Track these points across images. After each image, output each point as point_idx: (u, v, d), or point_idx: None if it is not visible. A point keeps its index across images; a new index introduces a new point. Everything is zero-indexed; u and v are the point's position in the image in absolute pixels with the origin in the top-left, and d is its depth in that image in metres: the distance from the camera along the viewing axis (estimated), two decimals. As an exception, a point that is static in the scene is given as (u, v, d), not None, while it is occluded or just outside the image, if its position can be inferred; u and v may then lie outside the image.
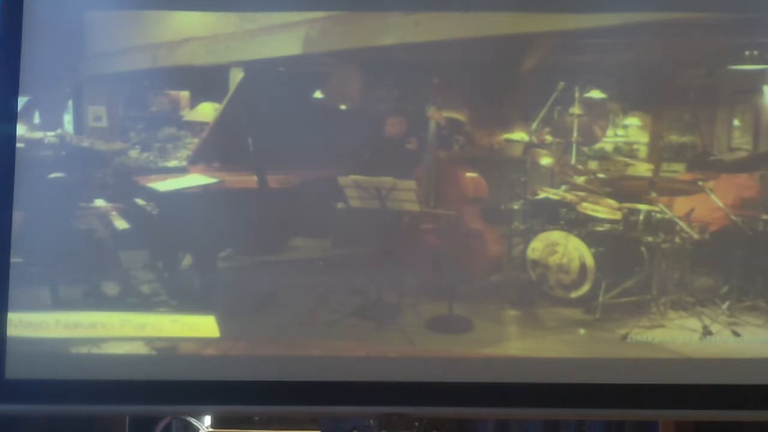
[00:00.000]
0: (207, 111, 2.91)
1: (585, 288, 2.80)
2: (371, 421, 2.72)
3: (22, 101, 2.84)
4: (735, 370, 2.73)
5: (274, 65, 2.90)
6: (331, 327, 2.79)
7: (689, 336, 2.75)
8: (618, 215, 2.85)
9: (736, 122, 2.85)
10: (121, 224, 2.85)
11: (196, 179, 2.88)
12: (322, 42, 2.88)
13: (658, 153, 2.85)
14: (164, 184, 2.87)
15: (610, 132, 2.89)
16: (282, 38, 2.87)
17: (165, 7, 2.93)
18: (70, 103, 2.90)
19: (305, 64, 2.91)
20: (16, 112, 2.83)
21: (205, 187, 2.87)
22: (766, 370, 2.72)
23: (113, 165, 2.88)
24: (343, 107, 2.94)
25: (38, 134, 2.86)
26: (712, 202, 2.81)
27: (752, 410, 2.73)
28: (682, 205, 2.83)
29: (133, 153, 2.89)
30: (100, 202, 2.86)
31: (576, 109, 2.86)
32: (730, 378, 2.71)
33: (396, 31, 2.85)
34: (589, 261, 2.81)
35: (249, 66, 2.89)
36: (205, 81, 2.91)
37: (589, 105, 2.87)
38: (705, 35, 2.86)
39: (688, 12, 2.84)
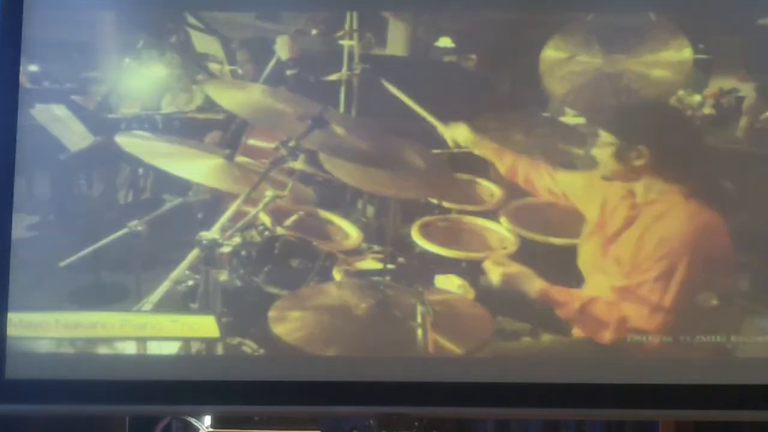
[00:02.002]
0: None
1: (585, 288, 2.80)
2: (371, 421, 2.72)
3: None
4: (735, 370, 2.73)
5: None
6: (331, 327, 2.79)
7: (689, 336, 2.75)
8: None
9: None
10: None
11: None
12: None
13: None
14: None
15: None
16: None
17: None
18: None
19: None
20: (17, 112, 2.83)
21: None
22: (766, 370, 2.72)
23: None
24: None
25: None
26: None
27: (752, 410, 2.73)
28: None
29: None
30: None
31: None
32: (730, 378, 2.71)
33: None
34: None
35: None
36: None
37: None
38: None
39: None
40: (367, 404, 2.73)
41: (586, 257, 2.73)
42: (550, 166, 2.80)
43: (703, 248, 2.71)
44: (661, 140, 2.77)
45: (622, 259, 2.71)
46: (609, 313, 2.69)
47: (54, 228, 2.84)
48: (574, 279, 2.73)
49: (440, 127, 2.83)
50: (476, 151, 2.81)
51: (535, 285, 2.72)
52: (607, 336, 2.70)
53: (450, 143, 2.82)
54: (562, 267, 2.74)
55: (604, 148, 2.76)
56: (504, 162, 2.80)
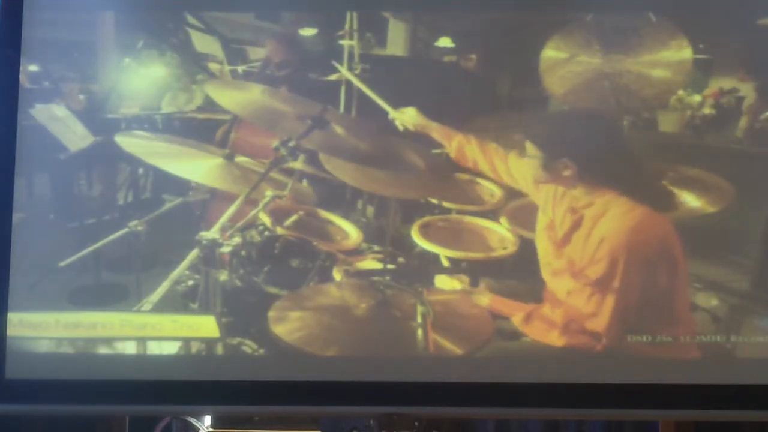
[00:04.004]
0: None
1: (585, 288, 2.80)
2: (371, 421, 2.72)
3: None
4: (735, 370, 2.73)
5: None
6: (331, 327, 2.79)
7: (690, 336, 2.75)
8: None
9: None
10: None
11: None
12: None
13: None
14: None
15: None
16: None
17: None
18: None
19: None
20: (17, 112, 2.83)
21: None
22: (766, 370, 2.72)
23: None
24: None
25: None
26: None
27: (752, 410, 2.73)
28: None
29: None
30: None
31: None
32: (730, 378, 2.71)
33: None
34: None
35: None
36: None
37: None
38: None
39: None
40: (367, 404, 2.73)
41: (542, 254, 2.74)
42: (502, 150, 2.80)
43: (641, 245, 2.70)
44: (586, 150, 2.76)
45: (574, 262, 2.71)
46: (556, 317, 2.70)
47: (54, 228, 2.84)
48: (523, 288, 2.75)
49: (392, 112, 2.83)
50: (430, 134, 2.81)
51: (483, 299, 2.73)
52: (556, 339, 2.70)
53: (400, 127, 2.82)
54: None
55: (531, 159, 2.76)
56: (452, 145, 2.80)
